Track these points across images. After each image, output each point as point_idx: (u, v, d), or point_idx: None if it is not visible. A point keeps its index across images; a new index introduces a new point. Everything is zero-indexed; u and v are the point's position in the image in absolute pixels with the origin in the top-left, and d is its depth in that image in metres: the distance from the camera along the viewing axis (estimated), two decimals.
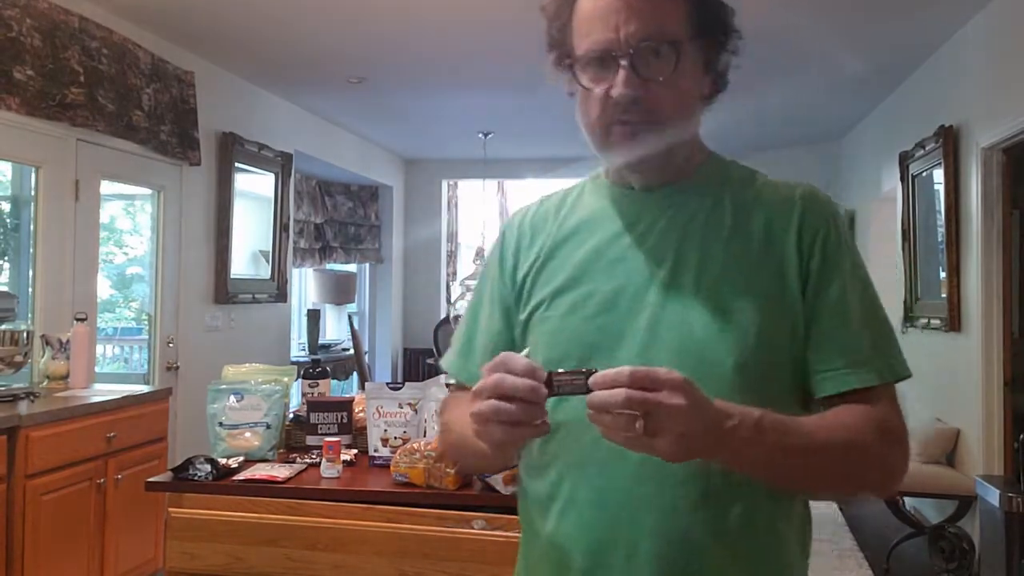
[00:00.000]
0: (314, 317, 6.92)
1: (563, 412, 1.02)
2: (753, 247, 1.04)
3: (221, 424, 2.30)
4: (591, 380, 0.86)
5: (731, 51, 1.08)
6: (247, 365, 2.62)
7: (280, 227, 5.80)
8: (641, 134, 1.02)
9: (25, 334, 3.30)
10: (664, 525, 0.98)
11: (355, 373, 6.97)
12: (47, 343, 3.51)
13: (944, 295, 4.39)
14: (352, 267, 8.17)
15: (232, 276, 5.17)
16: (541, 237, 1.15)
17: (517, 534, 1.16)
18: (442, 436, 1.24)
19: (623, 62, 1.00)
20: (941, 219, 4.46)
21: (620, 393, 0.83)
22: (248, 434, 2.29)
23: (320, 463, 2.15)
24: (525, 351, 0.95)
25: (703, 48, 1.05)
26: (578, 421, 0.90)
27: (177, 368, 4.62)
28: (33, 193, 3.71)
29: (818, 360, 1.02)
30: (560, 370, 0.89)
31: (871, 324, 1.03)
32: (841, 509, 5.17)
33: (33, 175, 3.71)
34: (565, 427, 1.03)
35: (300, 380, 2.68)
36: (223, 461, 2.16)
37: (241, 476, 2.12)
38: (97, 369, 3.80)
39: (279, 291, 5.81)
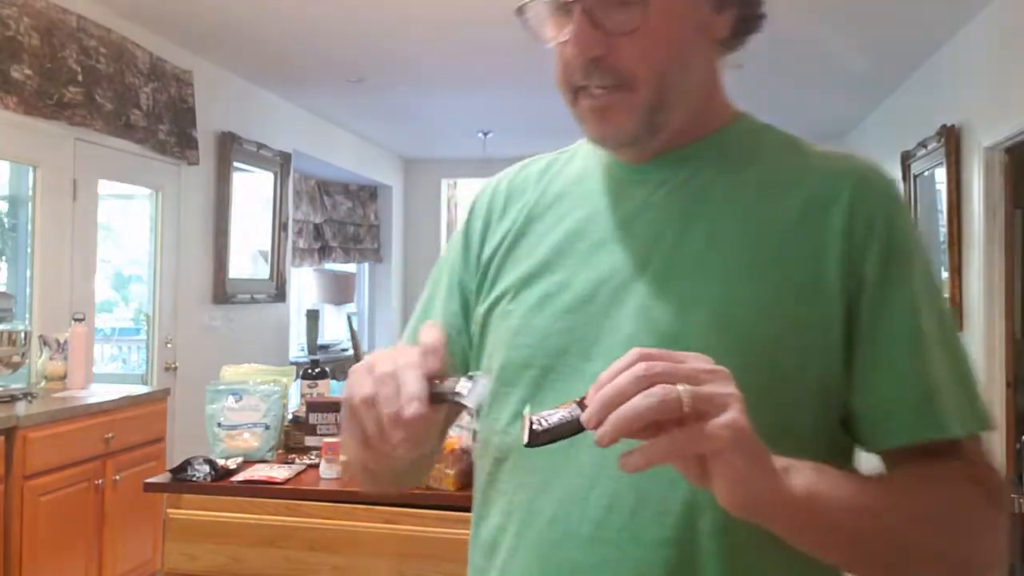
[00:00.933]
0: (313, 317, 6.89)
1: (514, 434, 0.80)
2: (780, 231, 0.79)
3: (220, 425, 2.30)
4: (588, 396, 0.62)
5: None
6: (246, 365, 2.61)
7: (279, 227, 5.78)
8: (611, 107, 0.79)
9: (23, 334, 3.29)
10: None
11: None
12: (45, 343, 3.50)
13: (946, 295, 4.38)
14: (351, 267, 8.15)
15: (231, 276, 5.15)
16: (516, 208, 0.91)
17: None
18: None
19: (576, 11, 0.77)
20: (943, 219, 4.45)
21: (639, 368, 0.61)
22: (247, 435, 2.28)
23: (319, 464, 2.14)
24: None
25: None
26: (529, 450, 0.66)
27: (175, 368, 4.60)
28: (31, 193, 3.69)
29: (878, 400, 0.76)
30: (534, 416, 0.64)
31: (952, 355, 0.78)
32: None
33: (31, 174, 3.70)
34: (515, 456, 0.82)
35: (299, 380, 2.66)
36: (222, 462, 2.16)
37: (240, 477, 2.11)
38: (95, 370, 3.78)
39: (278, 291, 5.80)
